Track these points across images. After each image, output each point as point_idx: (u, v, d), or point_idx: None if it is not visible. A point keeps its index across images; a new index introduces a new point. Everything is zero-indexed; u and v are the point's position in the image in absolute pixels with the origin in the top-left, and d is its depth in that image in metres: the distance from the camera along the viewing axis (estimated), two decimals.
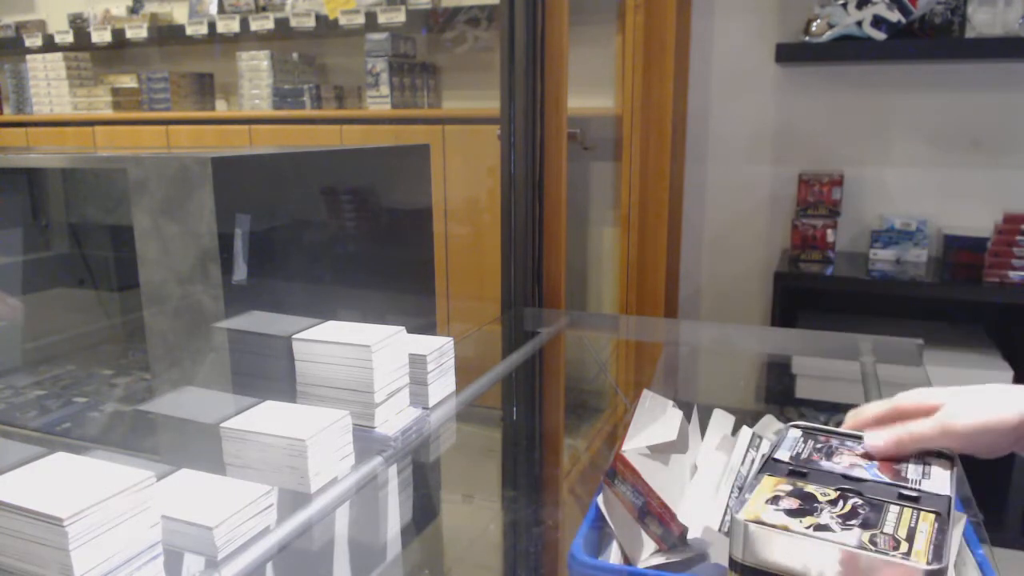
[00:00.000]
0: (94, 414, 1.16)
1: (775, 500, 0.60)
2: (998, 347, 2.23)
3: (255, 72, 3.15)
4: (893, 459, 0.68)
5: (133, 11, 3.53)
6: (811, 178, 2.49)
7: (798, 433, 0.75)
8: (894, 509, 0.59)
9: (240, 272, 0.94)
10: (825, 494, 0.61)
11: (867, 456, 0.69)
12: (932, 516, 0.58)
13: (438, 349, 1.11)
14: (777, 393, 1.49)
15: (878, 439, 0.69)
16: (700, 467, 0.80)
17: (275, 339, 1.00)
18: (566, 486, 1.09)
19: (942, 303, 2.43)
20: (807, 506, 0.59)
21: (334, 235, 1.16)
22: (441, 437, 1.08)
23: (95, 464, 0.68)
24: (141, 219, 0.95)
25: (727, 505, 0.71)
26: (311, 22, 3.00)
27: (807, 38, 2.30)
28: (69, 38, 3.47)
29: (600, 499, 0.78)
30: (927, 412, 0.70)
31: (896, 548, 0.53)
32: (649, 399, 0.89)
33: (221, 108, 3.47)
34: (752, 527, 0.56)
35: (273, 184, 1.03)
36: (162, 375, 0.99)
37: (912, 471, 0.66)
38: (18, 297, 1.39)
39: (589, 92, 2.72)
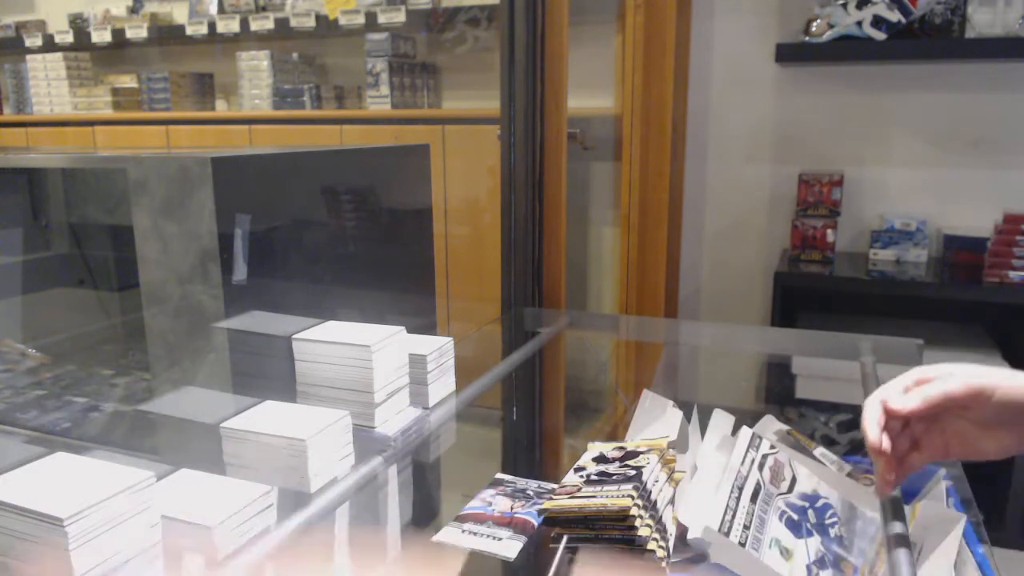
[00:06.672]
0: (94, 414, 1.16)
1: None
2: (998, 347, 2.23)
3: (255, 72, 3.14)
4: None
5: (133, 11, 3.53)
6: (811, 178, 2.49)
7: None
8: None
9: (240, 272, 0.94)
10: None
11: None
12: None
13: (438, 349, 1.11)
14: (777, 393, 1.49)
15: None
16: (700, 467, 0.80)
17: (275, 339, 1.00)
18: None
19: (942, 303, 2.42)
20: None
21: (334, 235, 1.16)
22: (441, 437, 1.08)
23: (95, 464, 0.68)
24: (141, 219, 0.95)
25: (727, 505, 0.71)
26: (311, 22, 3.00)
27: (807, 38, 2.30)
28: (69, 38, 3.47)
29: None
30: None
31: None
32: (649, 399, 0.89)
33: (221, 108, 3.47)
34: None
35: (273, 184, 1.03)
36: (162, 375, 0.99)
37: None
38: (18, 297, 1.39)
39: (589, 92, 2.72)
